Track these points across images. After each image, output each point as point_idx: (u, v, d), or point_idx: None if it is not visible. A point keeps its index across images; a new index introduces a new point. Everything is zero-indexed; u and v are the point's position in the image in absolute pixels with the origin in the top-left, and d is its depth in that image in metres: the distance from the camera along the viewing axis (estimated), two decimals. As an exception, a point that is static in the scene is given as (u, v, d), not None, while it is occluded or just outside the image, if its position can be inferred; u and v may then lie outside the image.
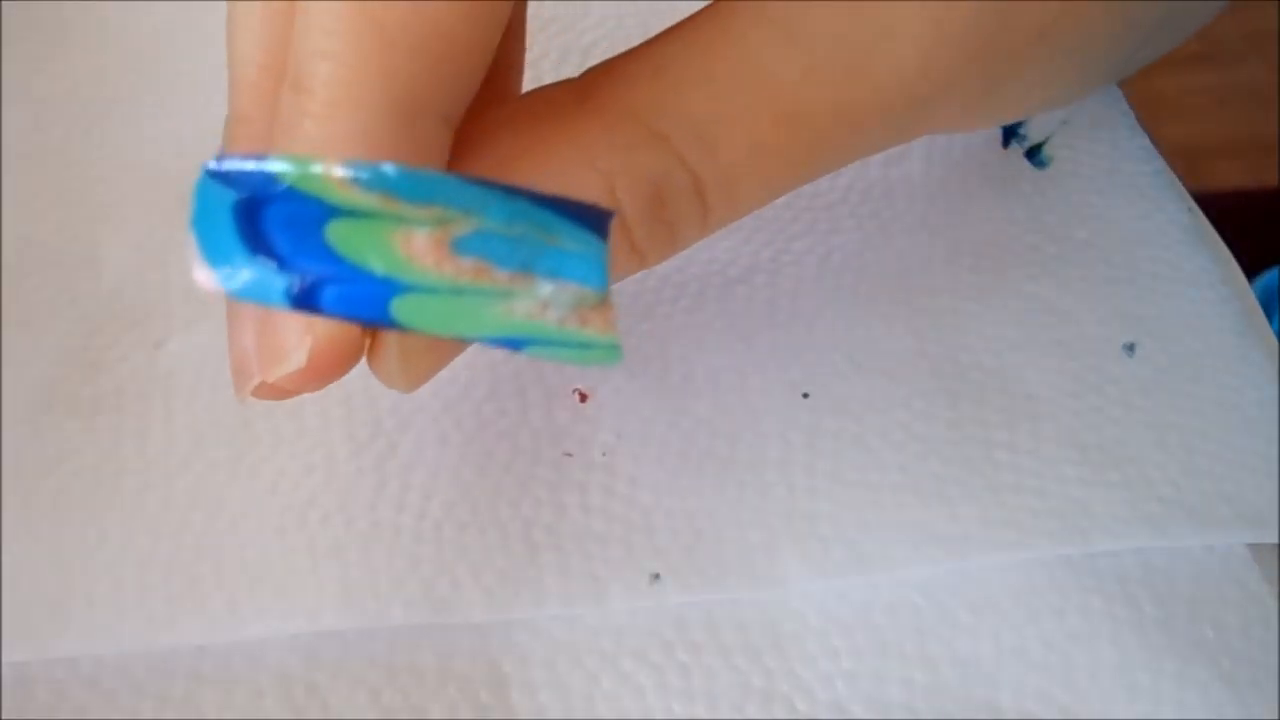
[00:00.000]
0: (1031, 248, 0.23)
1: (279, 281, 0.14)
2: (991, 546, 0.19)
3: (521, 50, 0.21)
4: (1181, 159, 0.27)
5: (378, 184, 0.13)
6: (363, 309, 0.14)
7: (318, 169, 0.13)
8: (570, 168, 0.16)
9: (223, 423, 0.21)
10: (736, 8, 0.17)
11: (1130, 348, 0.22)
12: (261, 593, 0.19)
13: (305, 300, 0.14)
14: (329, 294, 0.14)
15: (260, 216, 0.13)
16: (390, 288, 0.14)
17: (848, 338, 0.22)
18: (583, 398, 0.21)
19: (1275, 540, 0.20)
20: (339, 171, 0.13)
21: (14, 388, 0.22)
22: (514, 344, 0.14)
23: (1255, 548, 0.20)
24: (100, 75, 0.27)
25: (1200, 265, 0.23)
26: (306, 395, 0.17)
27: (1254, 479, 0.20)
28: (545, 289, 0.14)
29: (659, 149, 0.16)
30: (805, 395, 0.21)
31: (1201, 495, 0.20)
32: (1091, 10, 0.17)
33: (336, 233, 0.13)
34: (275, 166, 0.13)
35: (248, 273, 0.14)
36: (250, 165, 0.13)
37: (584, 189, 0.16)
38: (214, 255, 0.14)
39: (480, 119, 0.17)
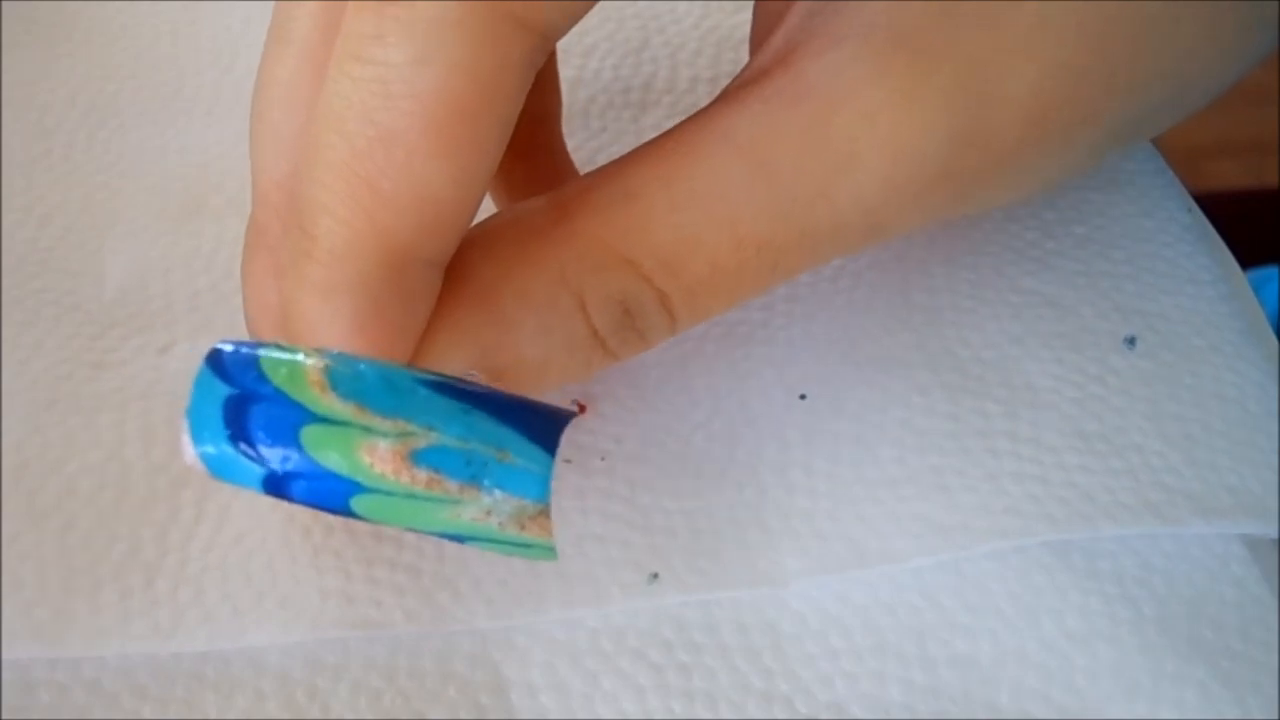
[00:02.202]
0: (1030, 244, 0.23)
1: (257, 470, 0.16)
2: (993, 535, 0.19)
3: (557, 102, 0.23)
4: (1181, 159, 0.27)
5: (353, 387, 0.15)
6: (326, 501, 0.16)
7: (302, 359, 0.16)
8: (546, 290, 0.17)
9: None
10: (707, 129, 0.18)
11: (1131, 341, 0.22)
12: (265, 603, 0.19)
13: (277, 488, 0.16)
14: (298, 486, 0.16)
15: (246, 413, 0.16)
16: (352, 486, 0.16)
17: (844, 338, 0.22)
18: (581, 409, 0.21)
19: (1275, 531, 0.20)
20: (322, 361, 0.15)
21: (15, 385, 0.22)
22: (459, 539, 0.16)
23: (1254, 548, 0.20)
24: (103, 81, 0.27)
25: (1201, 263, 0.23)
26: None
27: (1255, 471, 0.20)
28: (489, 500, 0.16)
29: (626, 271, 0.17)
30: (802, 397, 0.21)
31: (1204, 484, 0.20)
32: (1054, 129, 0.18)
33: (309, 436, 0.15)
34: (268, 355, 0.16)
35: (230, 459, 0.16)
36: (246, 351, 0.16)
37: (558, 308, 0.17)
38: (202, 440, 0.16)
39: (463, 241, 0.18)
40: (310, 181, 0.16)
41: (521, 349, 0.17)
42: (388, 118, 0.16)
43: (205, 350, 0.22)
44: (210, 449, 0.16)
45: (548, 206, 0.18)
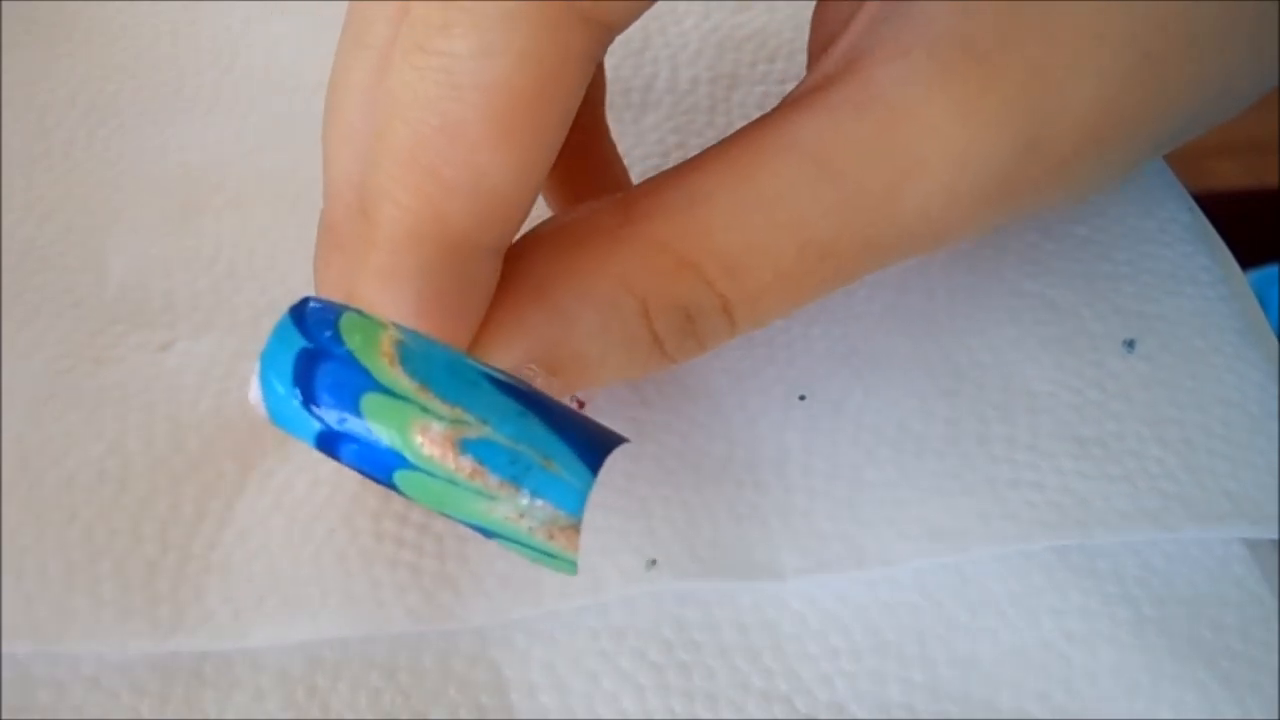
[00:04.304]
0: (1030, 245, 0.23)
1: (314, 425, 0.16)
2: (989, 540, 0.19)
3: (601, 86, 0.23)
4: (1181, 159, 0.27)
5: (421, 366, 0.16)
6: (371, 468, 0.16)
7: (379, 326, 0.16)
8: (608, 290, 0.18)
9: (229, 433, 0.21)
10: (773, 134, 0.18)
11: (1130, 344, 0.22)
12: (267, 603, 0.19)
13: (328, 446, 0.16)
14: (347, 448, 0.16)
15: (315, 370, 0.16)
16: (399, 460, 0.16)
17: (844, 340, 0.22)
18: (580, 405, 0.21)
19: (1275, 536, 0.20)
20: (397, 334, 0.16)
21: (15, 379, 0.22)
22: (487, 533, 0.16)
23: (1254, 548, 0.20)
24: (103, 81, 0.27)
25: (1200, 264, 0.23)
26: None
27: (1254, 475, 0.20)
28: (525, 502, 0.16)
29: (690, 276, 0.17)
30: (802, 398, 0.21)
31: (1202, 490, 0.20)
32: (1111, 139, 0.18)
33: (369, 403, 0.16)
34: (349, 316, 0.16)
35: (291, 409, 0.16)
36: (330, 308, 0.16)
37: (620, 309, 0.17)
38: (269, 384, 0.16)
39: (529, 237, 0.18)
40: (376, 168, 0.17)
41: (580, 345, 0.18)
42: (452, 108, 0.16)
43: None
44: (274, 395, 0.16)
45: (613, 207, 0.18)
